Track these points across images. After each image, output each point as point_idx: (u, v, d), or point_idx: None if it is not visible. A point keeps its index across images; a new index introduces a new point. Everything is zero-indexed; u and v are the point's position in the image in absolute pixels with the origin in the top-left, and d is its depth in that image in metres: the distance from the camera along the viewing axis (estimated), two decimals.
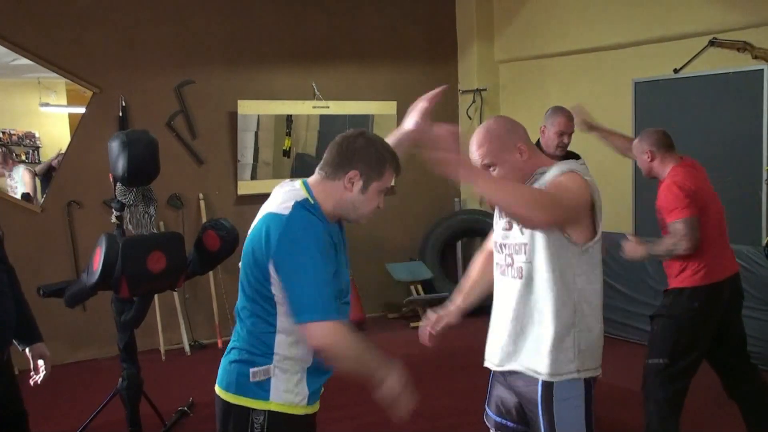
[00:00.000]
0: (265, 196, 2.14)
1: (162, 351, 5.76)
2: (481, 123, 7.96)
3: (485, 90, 7.02)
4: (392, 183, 2.11)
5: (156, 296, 4.94)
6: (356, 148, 2.00)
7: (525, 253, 2.18)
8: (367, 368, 1.99)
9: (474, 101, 7.01)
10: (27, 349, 2.79)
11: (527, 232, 2.17)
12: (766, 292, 4.83)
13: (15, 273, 2.77)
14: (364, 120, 6.58)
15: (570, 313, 2.12)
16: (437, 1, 7.09)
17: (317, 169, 2.08)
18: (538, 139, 4.03)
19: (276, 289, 1.96)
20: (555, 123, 3.95)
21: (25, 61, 5.43)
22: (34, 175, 6.23)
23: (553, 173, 2.13)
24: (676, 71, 5.59)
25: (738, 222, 5.22)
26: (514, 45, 6.92)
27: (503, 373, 2.29)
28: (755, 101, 5.13)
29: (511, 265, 2.22)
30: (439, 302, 6.63)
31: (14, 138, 6.44)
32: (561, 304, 2.11)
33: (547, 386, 2.13)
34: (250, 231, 2.05)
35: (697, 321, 3.34)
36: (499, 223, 2.29)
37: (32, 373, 2.82)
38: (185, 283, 4.03)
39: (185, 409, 4.39)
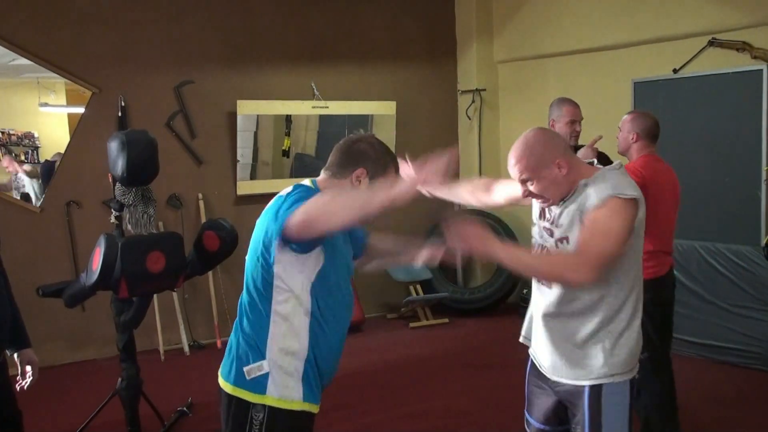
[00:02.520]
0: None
1: (161, 351, 5.75)
2: (480, 123, 7.84)
3: (484, 90, 7.02)
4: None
5: (155, 296, 4.94)
6: (361, 149, 2.11)
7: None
8: (361, 197, 1.92)
9: (473, 101, 7.01)
10: (15, 355, 2.77)
11: (556, 236, 2.18)
12: (766, 292, 4.83)
13: (7, 276, 2.75)
14: (364, 120, 6.57)
15: (605, 315, 2.13)
16: (437, 1, 7.08)
17: (323, 170, 2.16)
18: None
19: (278, 267, 1.99)
20: (564, 113, 3.91)
21: (24, 61, 5.42)
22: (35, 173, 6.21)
23: (593, 201, 2.08)
24: (675, 71, 5.59)
25: (737, 222, 5.23)
26: (513, 45, 6.92)
27: (540, 376, 2.30)
28: (754, 101, 5.12)
29: None
30: (438, 302, 6.72)
31: (13, 138, 6.43)
32: (589, 307, 2.14)
33: (594, 388, 2.13)
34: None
35: (656, 311, 3.42)
36: (538, 224, 2.29)
37: (19, 378, 2.80)
38: (184, 283, 4.02)
39: (184, 409, 4.38)
